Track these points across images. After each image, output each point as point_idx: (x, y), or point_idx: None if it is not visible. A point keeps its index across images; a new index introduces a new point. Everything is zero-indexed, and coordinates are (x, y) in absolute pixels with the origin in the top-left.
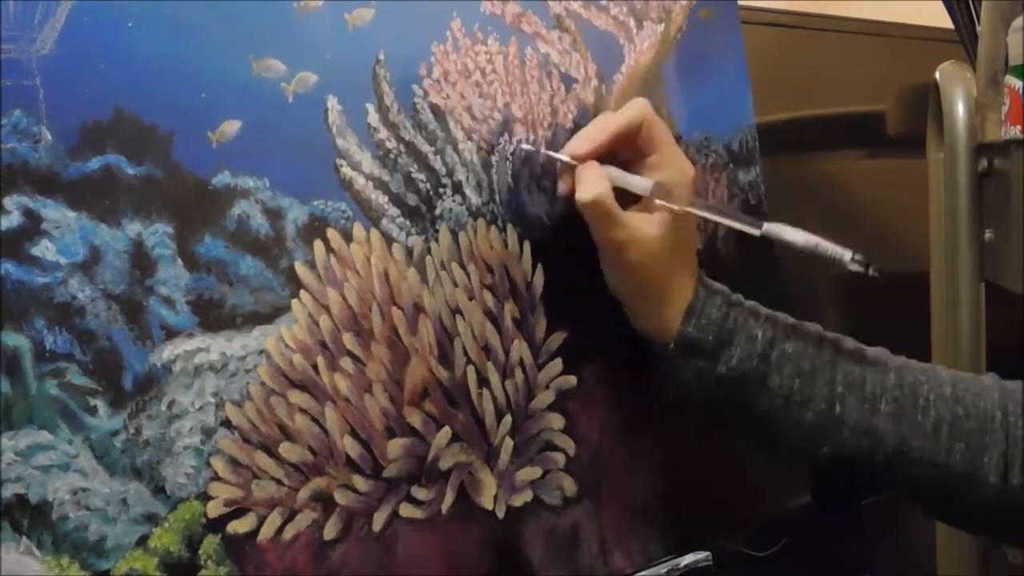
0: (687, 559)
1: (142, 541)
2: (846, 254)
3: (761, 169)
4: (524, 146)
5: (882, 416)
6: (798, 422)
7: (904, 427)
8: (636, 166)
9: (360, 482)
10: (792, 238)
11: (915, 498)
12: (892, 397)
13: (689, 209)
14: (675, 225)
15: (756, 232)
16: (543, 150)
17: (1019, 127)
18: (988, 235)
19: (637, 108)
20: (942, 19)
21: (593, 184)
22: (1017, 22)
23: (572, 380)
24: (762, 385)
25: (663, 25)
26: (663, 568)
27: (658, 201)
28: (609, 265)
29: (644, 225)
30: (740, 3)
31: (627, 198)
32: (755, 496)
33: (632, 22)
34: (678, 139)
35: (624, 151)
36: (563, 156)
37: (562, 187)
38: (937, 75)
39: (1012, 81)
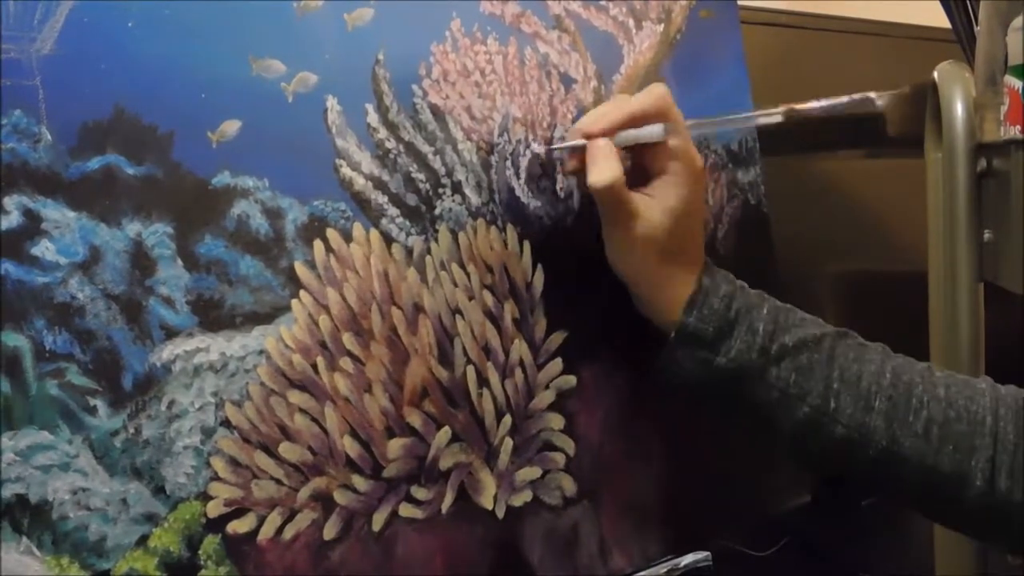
0: (687, 559)
1: (142, 541)
2: (869, 95)
3: (761, 169)
4: (534, 147)
5: (875, 414)
6: (793, 415)
7: (896, 426)
8: (646, 152)
9: (360, 482)
10: (812, 105)
11: (903, 497)
12: (887, 396)
13: (702, 122)
14: (681, 211)
15: (779, 118)
16: (547, 147)
17: (1018, 127)
18: (987, 235)
19: (656, 94)
20: (941, 19)
21: (606, 168)
22: (1016, 22)
23: (572, 380)
24: (760, 377)
25: (663, 25)
26: (663, 568)
27: (671, 141)
28: (614, 248)
29: (650, 210)
30: (740, 3)
31: (632, 180)
32: (755, 496)
33: (631, 22)
34: None
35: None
36: (573, 142)
37: (570, 164)
38: (935, 75)
39: (1011, 81)
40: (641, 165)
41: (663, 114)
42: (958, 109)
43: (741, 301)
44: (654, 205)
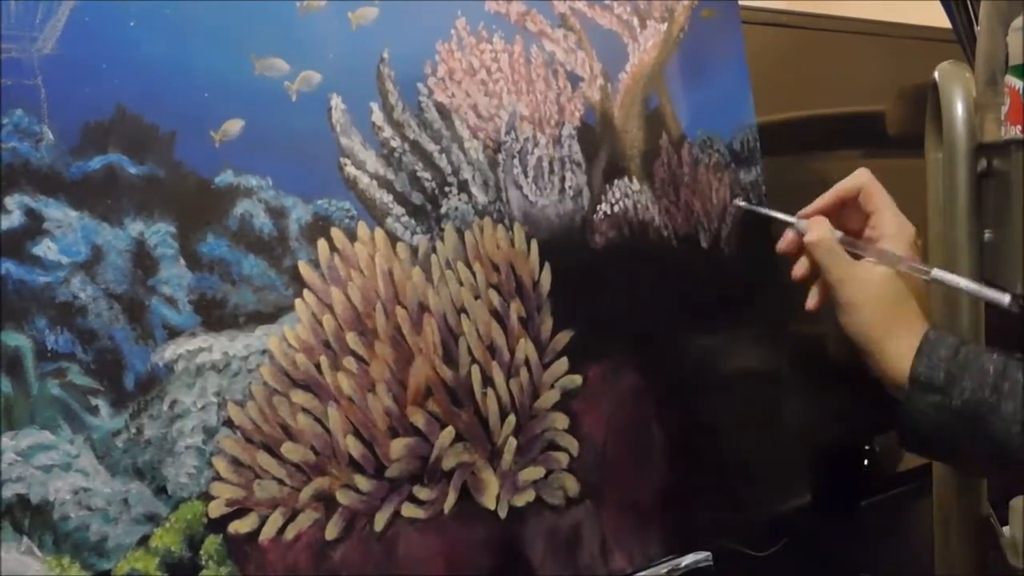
0: (687, 559)
1: (143, 541)
2: (1004, 298)
3: (762, 169)
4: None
5: None
6: None
7: None
8: (861, 228)
9: (362, 482)
10: (958, 284)
11: None
12: None
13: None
14: (896, 274)
15: (927, 277)
16: (772, 213)
17: (1019, 127)
18: (987, 235)
19: (858, 175)
20: (942, 19)
21: (818, 228)
22: (1017, 22)
23: (577, 379)
24: (995, 413)
25: (666, 24)
26: (663, 568)
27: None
28: (842, 309)
29: (867, 272)
30: (741, 3)
31: None
32: (755, 496)
33: (636, 21)
34: (682, 139)
35: (849, 220)
36: (791, 218)
37: (784, 243)
38: (936, 75)
39: (1012, 81)
40: (854, 234)
41: (865, 190)
42: (958, 109)
43: (968, 348)
44: (868, 266)
